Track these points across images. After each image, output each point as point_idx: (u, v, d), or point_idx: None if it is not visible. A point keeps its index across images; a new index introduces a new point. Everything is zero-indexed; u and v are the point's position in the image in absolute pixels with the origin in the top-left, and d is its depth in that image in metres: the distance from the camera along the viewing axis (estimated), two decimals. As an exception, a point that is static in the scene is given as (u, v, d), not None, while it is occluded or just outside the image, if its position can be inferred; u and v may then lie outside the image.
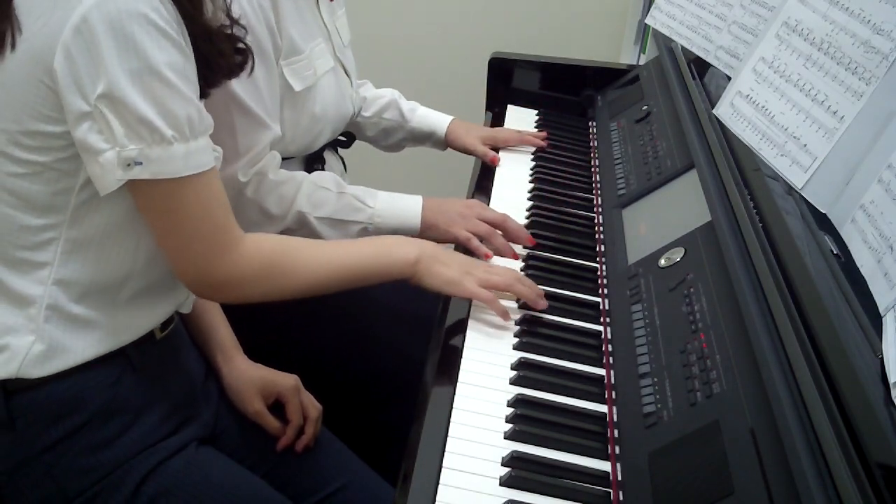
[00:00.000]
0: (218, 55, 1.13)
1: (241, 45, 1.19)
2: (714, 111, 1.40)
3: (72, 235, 1.10)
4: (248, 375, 1.34)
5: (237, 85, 1.36)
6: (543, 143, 1.85)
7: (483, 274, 1.27)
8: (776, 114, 1.26)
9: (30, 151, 1.07)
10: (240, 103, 1.39)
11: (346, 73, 1.68)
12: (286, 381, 1.36)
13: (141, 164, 1.04)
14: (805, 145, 1.19)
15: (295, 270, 1.20)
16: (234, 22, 1.19)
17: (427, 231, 1.52)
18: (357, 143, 1.84)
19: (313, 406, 1.36)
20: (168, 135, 1.04)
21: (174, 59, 1.04)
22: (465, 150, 1.84)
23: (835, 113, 1.16)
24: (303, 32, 1.52)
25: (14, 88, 1.05)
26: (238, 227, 1.15)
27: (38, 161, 1.07)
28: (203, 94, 1.11)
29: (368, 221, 1.51)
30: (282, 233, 1.52)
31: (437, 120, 1.86)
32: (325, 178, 1.54)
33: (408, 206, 1.53)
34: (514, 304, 1.30)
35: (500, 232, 1.48)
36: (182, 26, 1.06)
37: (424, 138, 1.88)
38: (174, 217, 1.09)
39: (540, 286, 1.35)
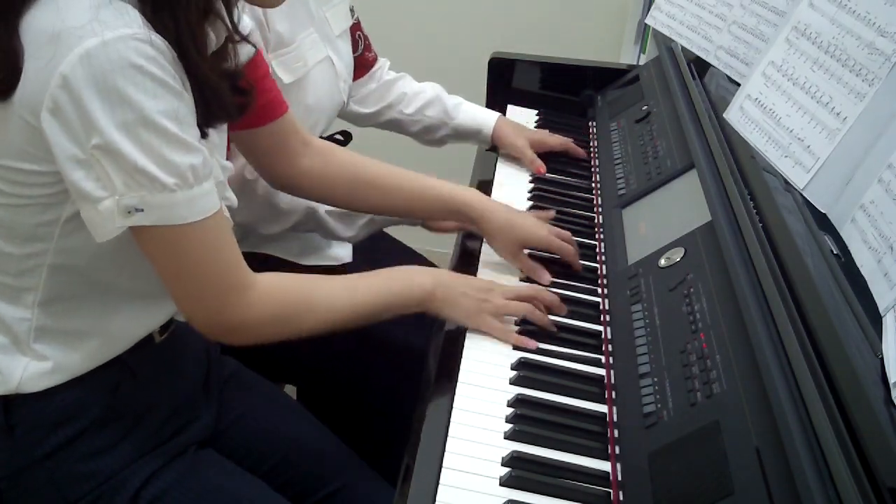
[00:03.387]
0: (214, 99, 1.07)
1: (243, 84, 1.14)
2: (724, 115, 1.40)
3: (57, 262, 1.08)
4: (508, 233, 1.41)
5: None
6: (583, 153, 1.82)
7: (500, 301, 1.24)
8: (782, 116, 1.26)
9: (12, 185, 1.04)
10: None
11: (333, 63, 1.68)
12: (539, 231, 1.42)
13: (142, 210, 0.99)
14: (808, 146, 1.19)
15: (311, 311, 1.16)
16: (243, 38, 1.14)
17: None
18: (353, 143, 1.83)
19: (569, 238, 1.44)
20: (170, 183, 0.99)
21: (171, 106, 0.98)
22: (513, 152, 1.79)
23: (838, 114, 1.16)
24: (293, 24, 1.51)
25: (2, 125, 1.01)
26: (248, 268, 1.12)
27: (21, 194, 1.04)
28: (203, 134, 1.06)
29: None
30: (291, 227, 1.53)
31: (485, 117, 1.82)
32: None
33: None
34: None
35: None
36: (180, 67, 1.01)
37: (469, 135, 1.84)
38: (181, 262, 1.05)
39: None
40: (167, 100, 0.98)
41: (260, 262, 1.56)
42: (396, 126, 1.84)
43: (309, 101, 1.56)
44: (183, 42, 1.01)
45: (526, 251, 1.41)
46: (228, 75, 1.11)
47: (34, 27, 0.99)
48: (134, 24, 0.97)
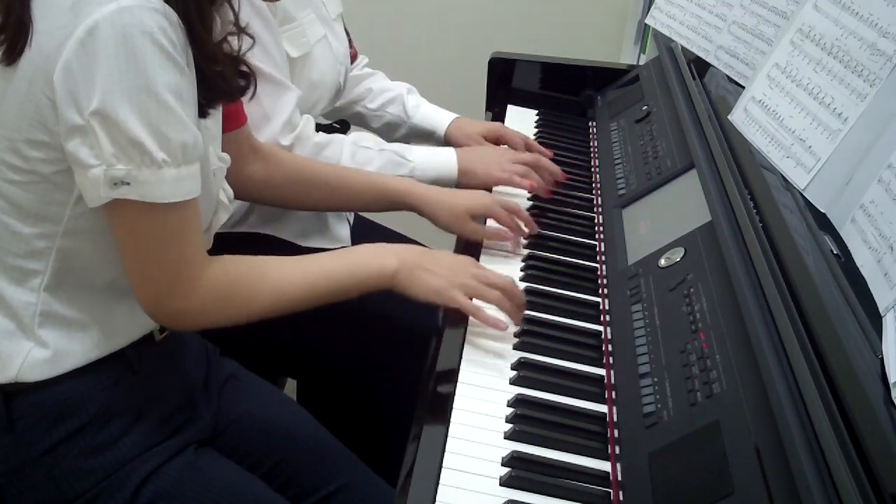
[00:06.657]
0: (219, 77, 1.10)
1: (244, 69, 1.17)
2: (729, 117, 1.41)
3: (65, 245, 1.09)
4: (453, 209, 1.45)
5: (250, 53, 1.37)
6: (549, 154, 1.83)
7: (471, 281, 1.24)
8: (785, 117, 1.27)
9: (27, 161, 1.06)
10: (257, 70, 1.39)
11: (330, 43, 1.68)
12: (483, 200, 1.48)
13: (128, 184, 1.01)
14: (810, 147, 1.19)
15: (259, 293, 1.15)
16: (241, 30, 1.17)
17: (464, 177, 1.61)
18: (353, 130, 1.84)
19: (516, 207, 1.49)
20: (159, 158, 1.01)
21: (174, 81, 1.01)
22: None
23: (840, 115, 1.16)
24: (294, 2, 1.55)
25: (19, 97, 1.04)
26: (205, 255, 1.12)
27: (34, 171, 1.06)
28: (202, 114, 1.09)
29: (409, 175, 1.58)
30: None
31: (439, 120, 1.83)
32: (363, 138, 1.60)
33: (444, 156, 1.62)
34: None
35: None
36: (187, 48, 1.04)
37: (425, 137, 1.86)
38: (146, 241, 1.06)
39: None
40: (172, 74, 1.01)
41: (260, 243, 1.57)
42: (361, 120, 1.88)
43: (313, 77, 1.59)
44: (191, 20, 1.04)
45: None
46: (232, 58, 1.15)
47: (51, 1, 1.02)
48: None
